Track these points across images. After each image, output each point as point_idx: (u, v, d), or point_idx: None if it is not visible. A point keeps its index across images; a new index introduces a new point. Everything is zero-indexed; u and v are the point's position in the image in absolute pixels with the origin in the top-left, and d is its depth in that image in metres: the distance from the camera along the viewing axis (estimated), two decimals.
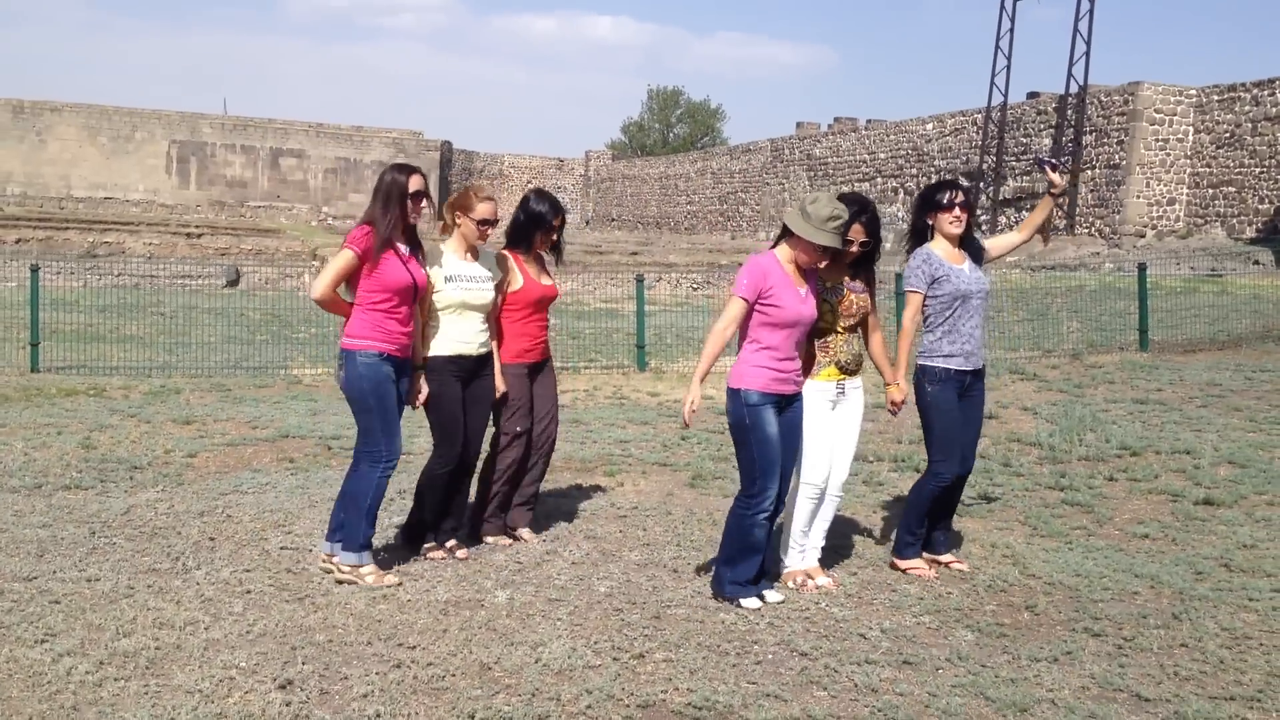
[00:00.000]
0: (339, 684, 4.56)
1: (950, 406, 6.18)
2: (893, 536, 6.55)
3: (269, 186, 54.76)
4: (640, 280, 15.33)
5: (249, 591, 5.69)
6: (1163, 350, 14.80)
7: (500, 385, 6.52)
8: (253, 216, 49.99)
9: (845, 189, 45.02)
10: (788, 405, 5.67)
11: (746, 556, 5.65)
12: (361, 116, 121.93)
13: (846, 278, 5.91)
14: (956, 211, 6.16)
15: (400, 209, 5.86)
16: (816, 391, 5.87)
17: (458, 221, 6.36)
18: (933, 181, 6.43)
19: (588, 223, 65.33)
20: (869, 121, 47.66)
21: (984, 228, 39.22)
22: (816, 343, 5.83)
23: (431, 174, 56.04)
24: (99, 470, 8.26)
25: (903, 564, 6.27)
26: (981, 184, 39.40)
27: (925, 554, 6.43)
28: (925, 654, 5.06)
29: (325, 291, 5.83)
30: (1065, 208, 36.17)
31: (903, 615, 5.59)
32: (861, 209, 5.80)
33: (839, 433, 6.00)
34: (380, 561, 6.12)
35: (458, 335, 6.27)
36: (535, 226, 6.67)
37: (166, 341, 15.17)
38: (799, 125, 52.21)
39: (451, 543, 6.44)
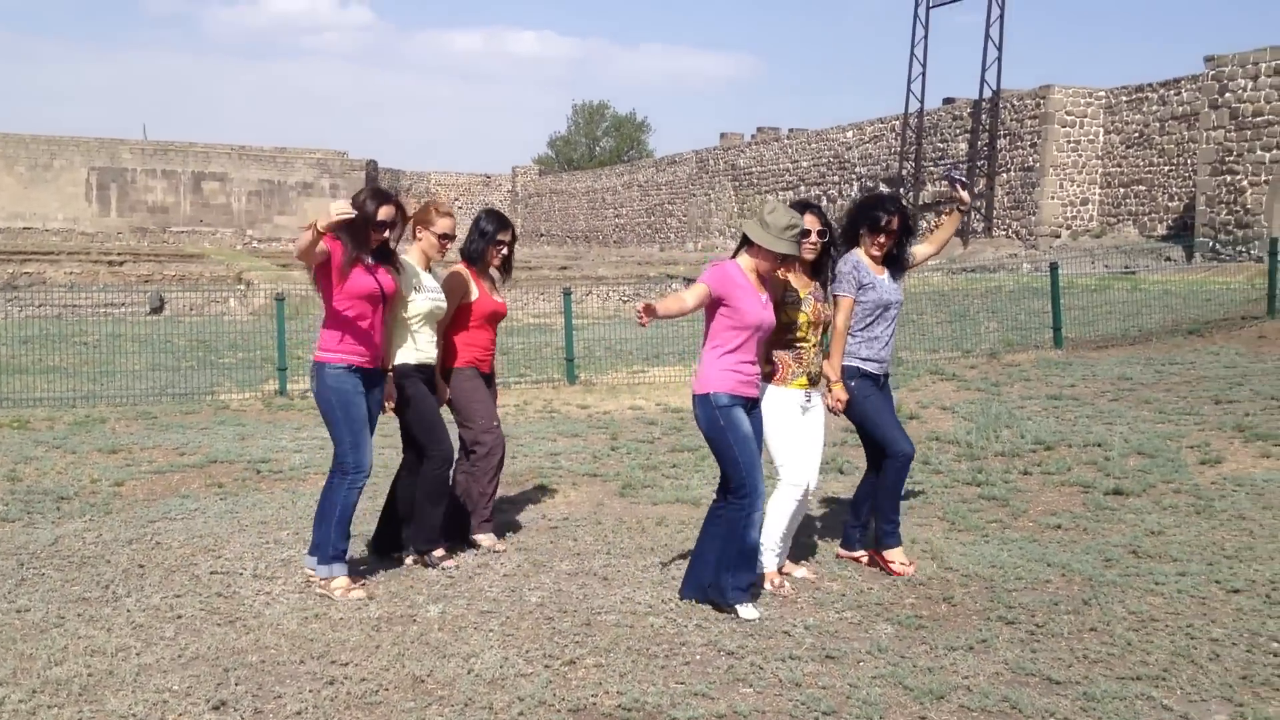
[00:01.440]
0: (272, 703, 4.63)
1: (874, 392, 6.45)
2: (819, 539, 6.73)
3: (191, 211, 54.18)
4: (568, 294, 15.46)
5: (180, 616, 5.72)
6: (1076, 347, 15.18)
7: (444, 393, 6.73)
8: (175, 242, 49.41)
9: (770, 198, 45.52)
10: (750, 410, 5.79)
11: (746, 560, 5.72)
12: (286, 136, 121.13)
13: (814, 285, 6.10)
14: (882, 239, 6.41)
15: (368, 234, 5.98)
16: (788, 398, 6.03)
17: (418, 235, 6.54)
18: (868, 192, 6.59)
19: (517, 239, 65.26)
20: (791, 131, 48.20)
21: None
22: (790, 354, 6.01)
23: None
24: (25, 502, 8.22)
25: (888, 555, 6.43)
26: (901, 189, 39.98)
27: (842, 549, 6.67)
28: (847, 648, 5.23)
29: (298, 253, 5.89)
30: (983, 210, 36.82)
31: (826, 612, 5.76)
32: (804, 205, 6.08)
33: (811, 437, 6.16)
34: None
35: (422, 344, 6.45)
36: (485, 243, 6.92)
37: (91, 371, 15.02)
38: (723, 136, 52.65)
39: (439, 552, 6.55)
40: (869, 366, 6.42)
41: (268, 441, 10.51)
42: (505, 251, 7.02)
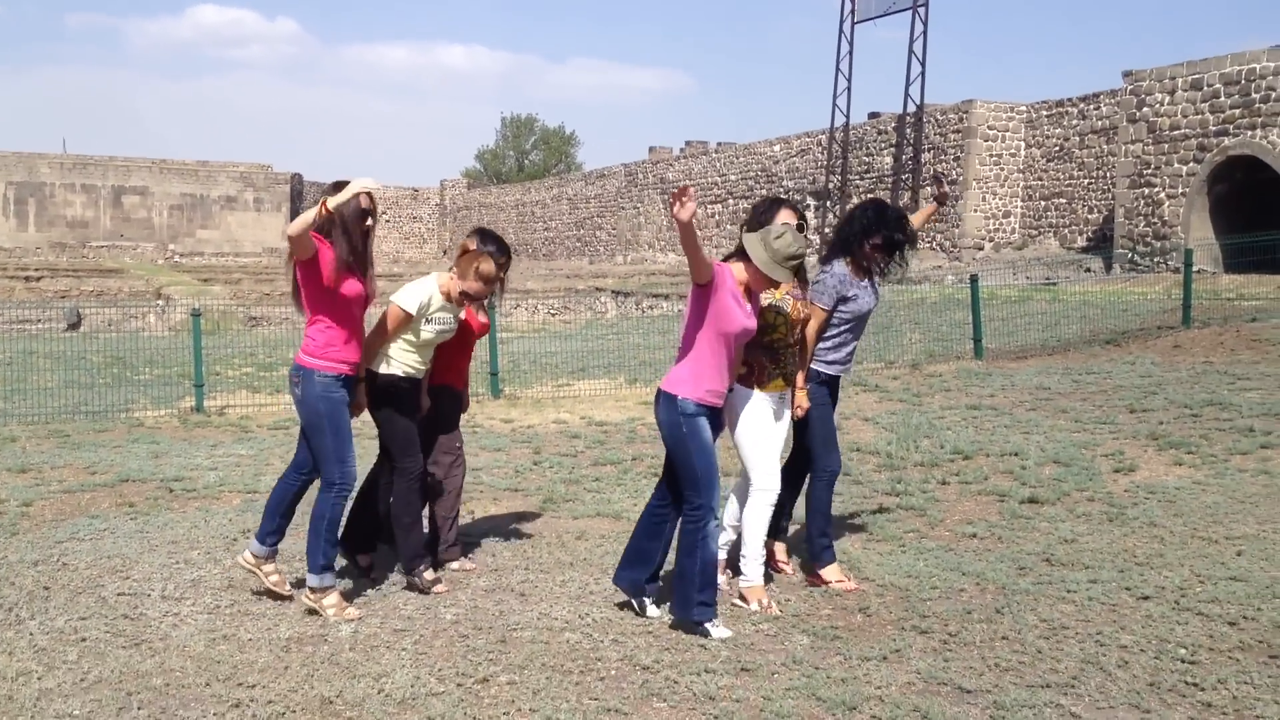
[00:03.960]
0: None
1: (825, 402, 6.45)
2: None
3: (112, 226, 53.29)
4: (491, 307, 15.32)
5: (84, 639, 5.58)
6: (997, 358, 15.38)
7: (426, 403, 6.60)
8: (96, 257, 48.52)
9: (700, 211, 45.73)
10: (711, 422, 5.73)
11: (707, 575, 5.61)
12: (212, 151, 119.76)
13: (792, 285, 6.01)
14: (880, 255, 6.36)
15: (357, 232, 5.84)
16: (765, 400, 5.99)
17: (466, 275, 6.36)
18: (882, 208, 6.52)
19: (445, 252, 64.93)
20: (719, 144, 48.45)
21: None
22: (768, 355, 5.96)
23: (283, 206, 55.23)
24: None
25: (824, 573, 6.36)
26: (828, 203, 40.33)
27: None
28: (762, 660, 5.22)
29: (299, 230, 5.66)
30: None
31: (742, 624, 5.75)
32: (778, 201, 6.07)
33: (780, 441, 6.14)
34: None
35: (414, 362, 6.34)
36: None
37: (2, 389, 14.66)
38: (652, 149, 52.80)
39: (430, 574, 6.41)
40: (832, 370, 6.45)
41: (182, 459, 10.32)
42: (503, 274, 6.88)
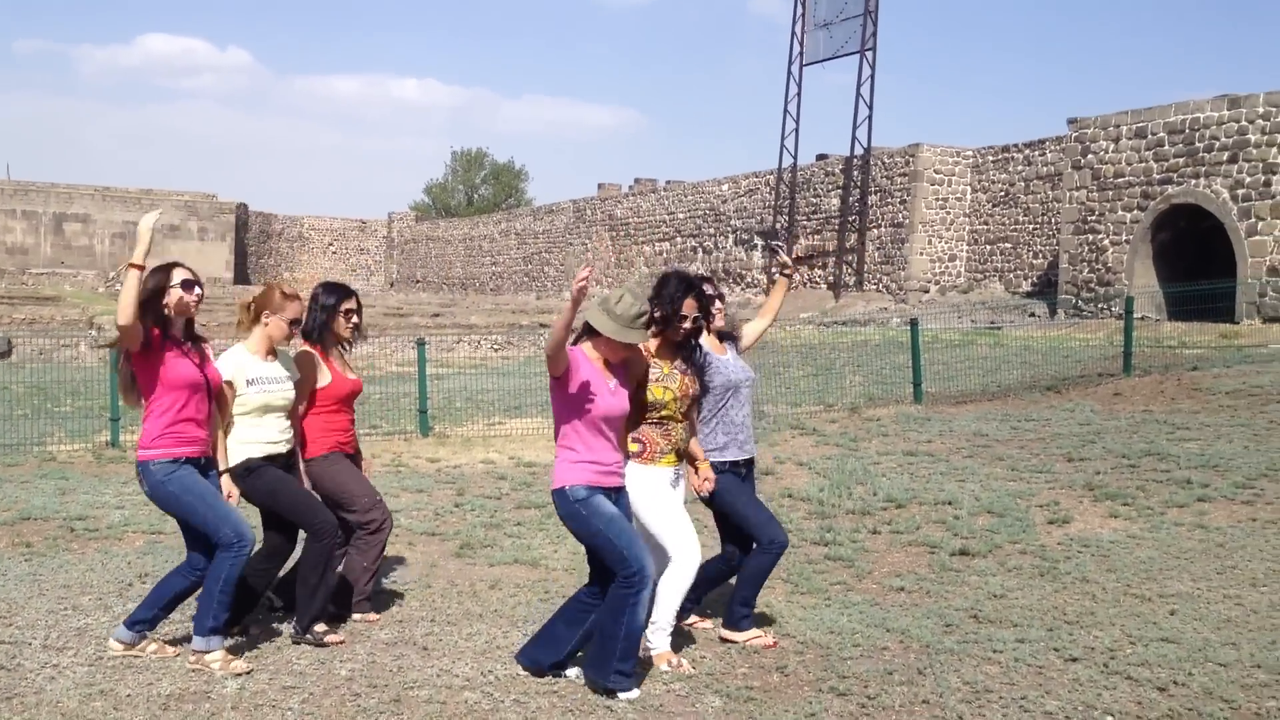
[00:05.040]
0: None
1: (735, 484, 6.06)
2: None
3: (52, 253, 52.42)
4: (421, 344, 15.04)
5: None
6: (936, 402, 15.23)
7: (306, 484, 6.26)
8: (35, 284, 47.53)
9: (646, 249, 45.62)
10: (615, 500, 5.42)
11: (632, 644, 5.31)
12: (159, 180, 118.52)
13: (678, 360, 5.74)
14: (719, 304, 6.12)
15: (157, 302, 5.54)
16: (659, 477, 5.67)
17: (265, 321, 6.11)
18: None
19: (392, 285, 64.47)
20: (668, 182, 48.46)
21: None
22: (659, 430, 5.65)
23: (227, 236, 54.56)
24: None
25: (740, 637, 6.07)
26: (775, 242, 40.33)
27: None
28: None
29: (131, 316, 5.34)
30: (854, 265, 37.29)
31: (654, 683, 5.46)
32: (689, 287, 5.68)
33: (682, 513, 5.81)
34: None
35: (264, 437, 6.04)
36: (327, 315, 6.47)
37: None
38: (601, 186, 52.70)
39: (321, 628, 6.06)
40: (729, 454, 6.05)
41: (89, 496, 9.91)
42: (355, 320, 6.59)
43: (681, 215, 45.06)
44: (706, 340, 6.04)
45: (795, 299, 38.31)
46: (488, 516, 9.29)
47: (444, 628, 6.31)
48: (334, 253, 65.44)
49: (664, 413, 5.64)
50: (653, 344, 5.68)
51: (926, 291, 35.15)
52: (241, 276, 55.79)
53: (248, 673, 5.53)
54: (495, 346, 27.65)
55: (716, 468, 6.00)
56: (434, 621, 6.43)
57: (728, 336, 6.29)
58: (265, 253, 62.14)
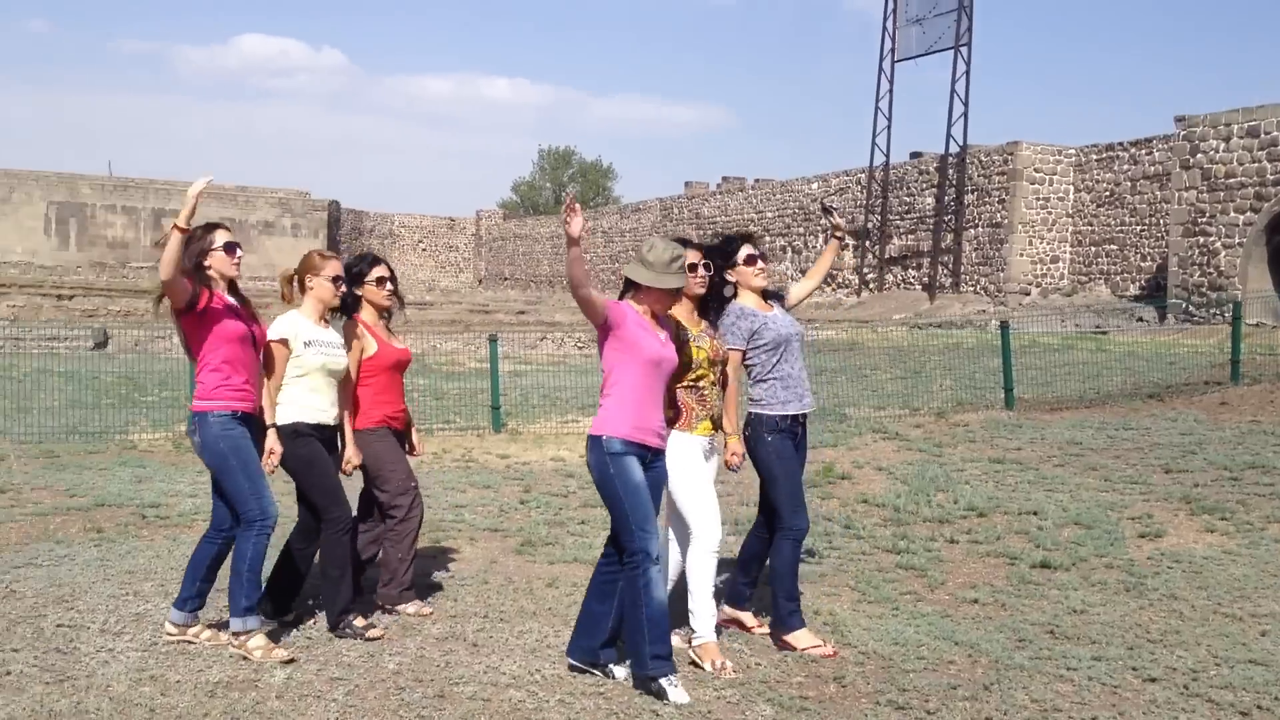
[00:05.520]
0: None
1: (790, 455, 6.02)
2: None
3: (152, 248, 53.57)
4: (494, 340, 14.98)
5: (8, 673, 5.27)
6: (1030, 408, 14.76)
7: (355, 457, 6.24)
8: (134, 278, 48.60)
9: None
10: (651, 463, 5.34)
11: (656, 625, 5.17)
12: (254, 177, 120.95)
13: (704, 324, 5.76)
14: (760, 264, 6.07)
15: (199, 262, 5.62)
16: (694, 445, 5.61)
17: (310, 285, 6.14)
18: (729, 235, 6.24)
19: (480, 282, 64.90)
20: (757, 181, 48.03)
21: (871, 286, 39.58)
22: (694, 395, 5.61)
23: (319, 234, 55.34)
24: None
25: (792, 639, 5.89)
26: (868, 243, 39.80)
27: (728, 606, 6.20)
28: None
29: (171, 272, 5.41)
30: (950, 266, 36.61)
31: (704, 689, 5.26)
32: (685, 243, 5.69)
33: (712, 488, 5.72)
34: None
35: (318, 404, 6.03)
36: (354, 287, 6.43)
37: (7, 406, 14.41)
38: (688, 185, 52.45)
39: (360, 621, 6.00)
40: (791, 408, 5.97)
41: (164, 484, 9.97)
42: (391, 287, 6.55)
43: (770, 214, 44.65)
44: (751, 299, 6.03)
45: (888, 300, 37.76)
46: (552, 514, 9.15)
47: (496, 624, 6.18)
48: (423, 250, 65.98)
49: (698, 373, 5.60)
50: (679, 312, 5.64)
51: (1027, 294, 34.35)
52: None
53: (291, 661, 5.47)
54: (578, 344, 27.61)
55: (777, 424, 5.95)
56: (486, 618, 6.31)
57: (773, 295, 6.23)
58: (356, 249, 62.83)
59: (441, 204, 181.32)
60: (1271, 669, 5.52)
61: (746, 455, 6.00)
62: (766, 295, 6.15)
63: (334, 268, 6.19)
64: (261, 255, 49.93)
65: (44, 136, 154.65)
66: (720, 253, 6.05)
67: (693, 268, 5.62)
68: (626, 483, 5.21)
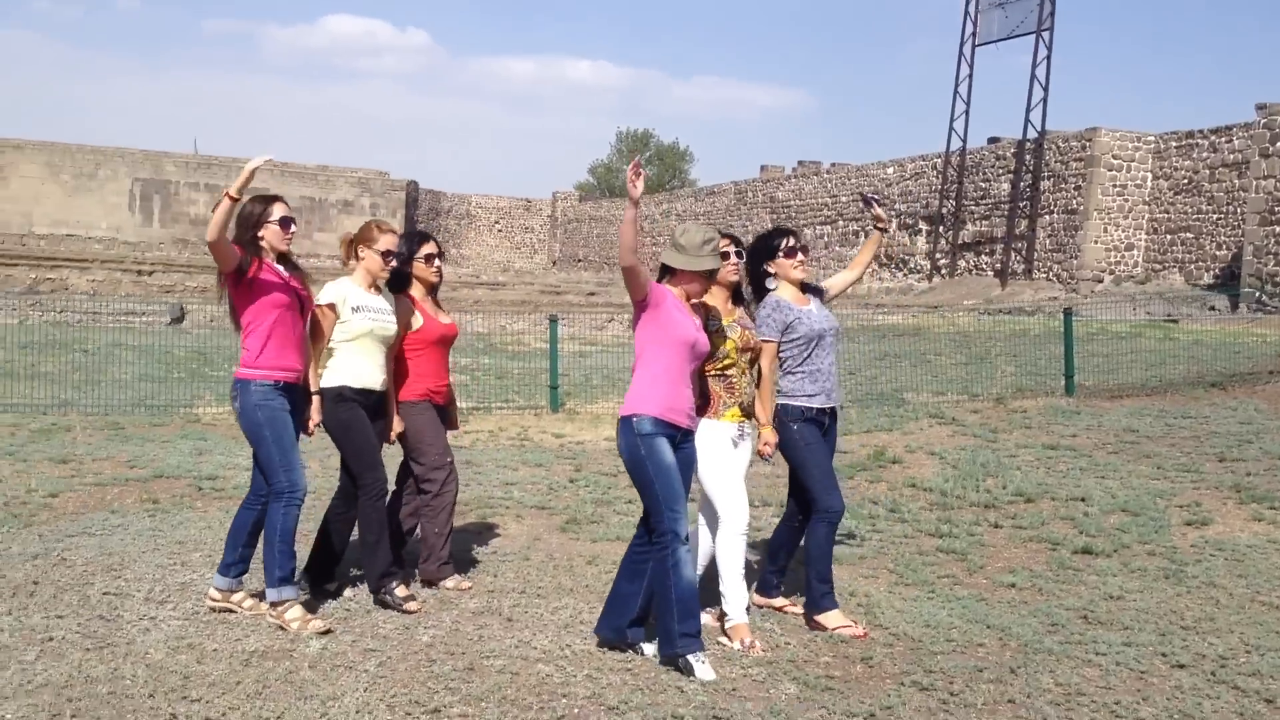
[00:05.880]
0: None
1: (816, 440, 6.07)
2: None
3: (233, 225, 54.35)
4: (554, 320, 15.12)
5: (50, 639, 5.43)
6: (1090, 396, 14.59)
7: (398, 426, 6.39)
8: None
9: (808, 231, 45.05)
10: (680, 444, 5.41)
11: (685, 605, 5.24)
12: (335, 157, 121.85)
13: (738, 312, 5.85)
14: (800, 257, 6.11)
15: (253, 233, 5.75)
16: (721, 432, 5.70)
17: (360, 255, 6.27)
18: (773, 230, 6.31)
19: (555, 263, 65.16)
20: (832, 165, 47.71)
21: (944, 272, 39.20)
22: (722, 383, 5.70)
23: (398, 213, 55.83)
24: None
25: (824, 620, 5.95)
26: (941, 228, 39.41)
27: (758, 595, 6.27)
28: (738, 709, 4.81)
29: (216, 234, 5.54)
30: (1024, 252, 36.15)
31: (731, 667, 5.34)
32: (716, 232, 5.72)
33: (741, 474, 5.81)
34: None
35: (364, 369, 6.15)
36: (403, 265, 6.54)
37: (78, 379, 14.82)
38: (763, 168, 52.21)
39: (402, 590, 6.15)
40: (816, 401, 6.04)
41: (223, 458, 10.21)
42: (438, 264, 6.68)
43: (844, 198, 44.34)
44: (789, 291, 6.09)
45: (958, 285, 37.38)
46: (600, 493, 9.25)
47: (532, 600, 6.29)
48: (499, 231, 66.32)
49: (725, 362, 5.68)
50: (713, 301, 5.71)
51: (1100, 281, 33.85)
52: None
53: (327, 632, 5.61)
54: None
55: (803, 413, 6.01)
56: (524, 593, 6.42)
57: (812, 288, 6.26)
58: (434, 229, 63.28)
59: (519, 186, 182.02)
60: None
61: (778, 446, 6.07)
62: (805, 288, 6.19)
63: (387, 241, 6.29)
64: (340, 234, 50.51)
65: (132, 115, 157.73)
66: (763, 246, 6.12)
67: (724, 255, 5.68)
68: (658, 464, 5.27)
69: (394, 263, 6.34)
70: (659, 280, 5.55)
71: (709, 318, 5.63)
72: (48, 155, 49.76)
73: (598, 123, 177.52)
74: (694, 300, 5.50)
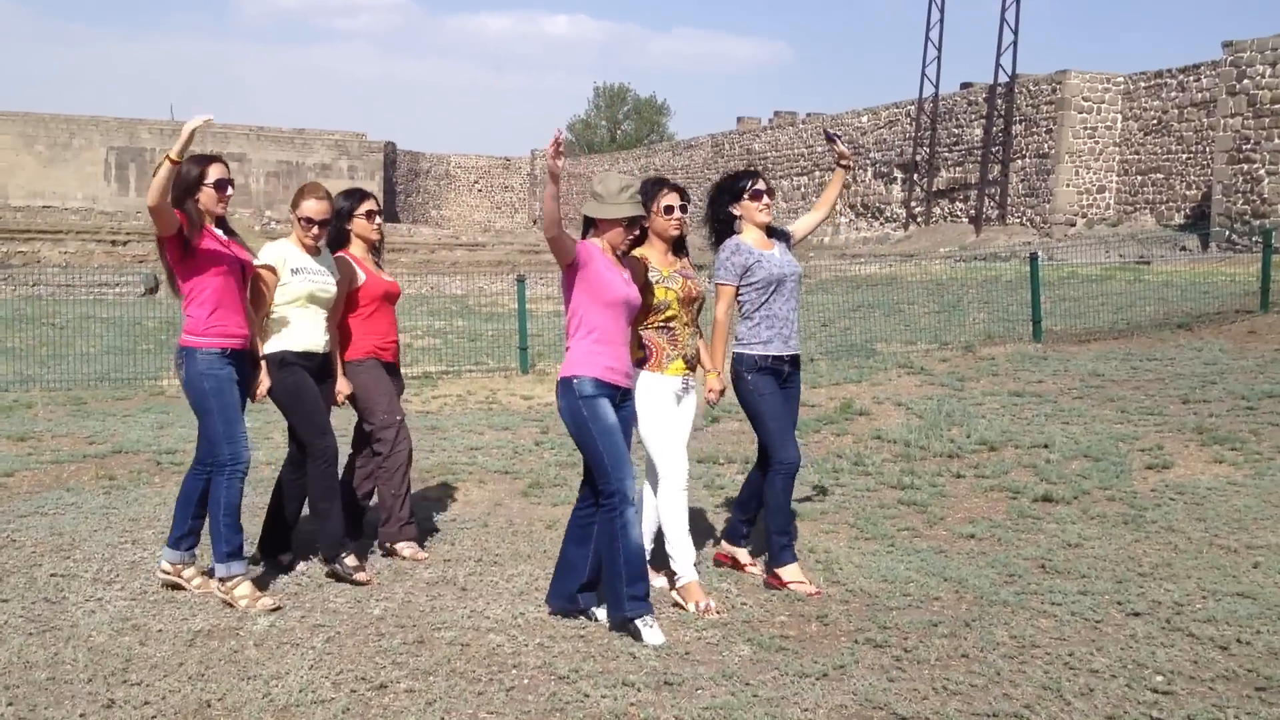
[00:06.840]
0: None
1: (772, 391, 5.96)
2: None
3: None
4: (521, 280, 15.01)
5: None
6: (1058, 340, 14.59)
7: (344, 387, 6.32)
8: None
9: (785, 183, 44.90)
10: (621, 404, 5.35)
11: (634, 566, 5.20)
12: (312, 119, 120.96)
13: (681, 263, 5.75)
14: (765, 200, 5.99)
15: (190, 196, 5.57)
16: (664, 385, 5.64)
17: (292, 217, 6.17)
18: (739, 171, 6.20)
19: (535, 222, 64.82)
20: (808, 115, 47.47)
21: (919, 220, 39.13)
22: (665, 336, 5.62)
23: (376, 175, 55.44)
24: None
25: (782, 573, 5.90)
26: (916, 176, 39.30)
27: (725, 542, 6.25)
28: (691, 673, 4.76)
29: (157, 199, 5.39)
30: (997, 198, 36.08)
31: (685, 630, 5.30)
32: (662, 182, 5.71)
33: (684, 428, 5.76)
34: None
35: (305, 332, 6.06)
36: (342, 223, 6.48)
37: (43, 353, 14.68)
38: (740, 120, 51.94)
39: (352, 560, 6.07)
40: (772, 348, 5.92)
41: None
42: (379, 221, 6.60)
43: (820, 149, 44.14)
44: (753, 235, 5.98)
45: (933, 233, 37.32)
46: (565, 455, 9.18)
47: (488, 568, 6.24)
48: (479, 190, 65.90)
49: (668, 313, 5.60)
50: (652, 253, 5.62)
51: (1073, 225, 33.83)
52: (390, 215, 56.63)
53: (277, 609, 5.54)
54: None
55: (757, 363, 5.92)
56: (480, 561, 6.37)
57: (777, 232, 6.15)
58: (413, 191, 63.00)
59: (498, 145, 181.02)
60: (1258, 602, 5.45)
61: (729, 392, 6.01)
62: (771, 232, 6.09)
63: (308, 209, 6.05)
64: None
65: (107, 83, 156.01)
66: (729, 187, 6.02)
67: (669, 209, 5.59)
68: (600, 425, 5.21)
69: (317, 232, 6.12)
70: (584, 234, 5.46)
71: (649, 270, 5.54)
72: (21, 126, 49.21)
73: (576, 79, 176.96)
74: (619, 250, 5.38)
